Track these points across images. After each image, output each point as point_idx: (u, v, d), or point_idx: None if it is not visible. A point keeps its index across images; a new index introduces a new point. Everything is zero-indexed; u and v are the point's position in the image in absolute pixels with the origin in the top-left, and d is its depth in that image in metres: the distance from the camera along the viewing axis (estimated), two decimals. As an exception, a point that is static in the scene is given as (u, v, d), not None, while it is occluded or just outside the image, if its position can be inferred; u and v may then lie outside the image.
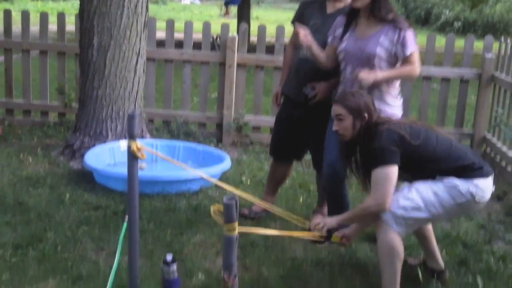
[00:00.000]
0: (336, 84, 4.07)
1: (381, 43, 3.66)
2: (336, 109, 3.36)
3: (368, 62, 3.65)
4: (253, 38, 7.15)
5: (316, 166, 4.45)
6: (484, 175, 3.25)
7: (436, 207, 3.21)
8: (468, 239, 4.22)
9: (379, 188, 3.15)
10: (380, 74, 3.61)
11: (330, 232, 3.34)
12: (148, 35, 5.94)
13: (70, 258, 3.65)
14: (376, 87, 3.68)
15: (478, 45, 7.12)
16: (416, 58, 3.67)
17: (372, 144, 3.21)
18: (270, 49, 6.60)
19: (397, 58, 3.69)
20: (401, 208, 3.16)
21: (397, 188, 3.24)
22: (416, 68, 3.68)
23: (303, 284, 3.52)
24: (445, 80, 6.46)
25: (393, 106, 3.76)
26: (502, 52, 6.33)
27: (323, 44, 3.94)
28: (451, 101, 6.96)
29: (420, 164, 3.26)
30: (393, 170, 3.15)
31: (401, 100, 3.87)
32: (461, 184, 3.20)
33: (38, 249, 3.72)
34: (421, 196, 3.20)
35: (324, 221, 3.35)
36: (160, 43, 6.70)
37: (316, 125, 4.14)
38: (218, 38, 11.49)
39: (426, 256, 3.68)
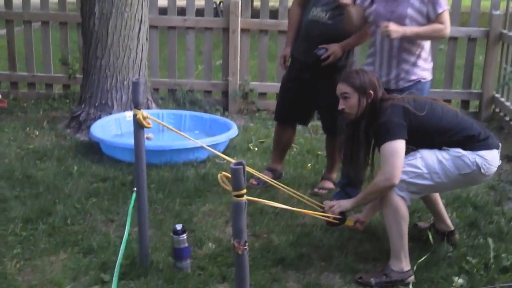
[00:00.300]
0: (347, 45, 4.09)
1: (412, 3, 3.64)
2: (342, 87, 3.33)
3: (399, 23, 3.61)
4: (256, 3, 7.05)
5: (326, 129, 4.42)
6: (490, 146, 3.22)
7: (440, 176, 3.18)
8: (478, 201, 4.20)
9: (387, 163, 3.11)
10: (409, 29, 3.61)
11: (344, 215, 3.33)
12: (150, 2, 5.87)
13: (80, 231, 3.66)
14: (406, 50, 3.69)
15: (485, 3, 6.99)
16: (446, 18, 3.66)
17: (378, 121, 3.18)
18: (273, 14, 6.51)
19: (428, 18, 3.66)
20: (404, 173, 3.14)
21: None
22: (447, 28, 3.67)
23: (314, 250, 3.52)
24: (452, 40, 6.37)
25: (423, 69, 3.78)
26: (510, 9, 6.22)
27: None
28: (459, 61, 6.87)
29: (426, 136, 3.22)
30: (400, 144, 3.11)
31: (431, 64, 3.87)
32: (467, 155, 3.17)
33: (48, 222, 3.73)
34: (425, 163, 3.17)
35: (339, 203, 3.33)
36: (163, 12, 6.62)
37: (325, 88, 4.09)
38: (221, 4, 11.36)
39: (434, 218, 3.67)
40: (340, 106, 3.34)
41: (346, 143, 3.45)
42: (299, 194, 3.43)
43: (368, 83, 3.28)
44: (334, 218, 3.32)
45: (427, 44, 3.81)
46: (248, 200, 2.27)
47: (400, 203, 3.16)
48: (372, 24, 3.84)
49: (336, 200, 3.43)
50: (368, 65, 3.92)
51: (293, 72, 4.35)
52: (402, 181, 3.14)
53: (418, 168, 3.17)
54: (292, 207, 3.98)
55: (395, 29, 3.54)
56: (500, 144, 3.32)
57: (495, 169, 3.28)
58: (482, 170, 3.19)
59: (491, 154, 3.22)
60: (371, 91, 3.27)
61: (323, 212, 3.34)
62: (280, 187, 3.31)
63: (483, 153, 3.19)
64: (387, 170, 3.10)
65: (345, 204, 3.32)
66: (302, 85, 4.27)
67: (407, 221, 3.20)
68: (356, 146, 3.38)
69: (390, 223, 3.20)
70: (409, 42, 3.71)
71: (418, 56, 3.77)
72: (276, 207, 3.97)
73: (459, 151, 3.19)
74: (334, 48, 4.07)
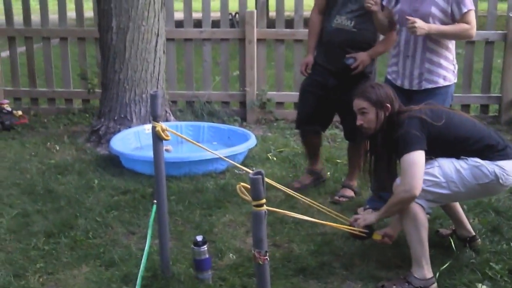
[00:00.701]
0: (375, 53, 4.17)
1: (436, 2, 3.64)
2: (358, 103, 3.33)
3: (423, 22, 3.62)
4: (272, 13, 7.07)
5: (348, 136, 4.43)
6: (509, 156, 3.20)
7: (458, 185, 3.16)
8: (500, 206, 4.16)
9: (406, 174, 3.09)
10: (434, 27, 3.61)
11: (371, 229, 3.32)
12: (166, 15, 5.92)
13: (102, 244, 3.68)
14: (430, 50, 3.70)
15: (502, 6, 6.95)
16: (472, 18, 3.66)
17: (396, 133, 3.17)
18: (289, 23, 6.52)
19: (453, 18, 3.66)
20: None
21: None
22: (473, 28, 3.66)
23: (335, 259, 3.50)
24: (470, 44, 6.32)
25: (447, 70, 3.78)
26: (528, 11, 6.17)
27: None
28: (477, 65, 6.82)
29: (444, 145, 3.20)
30: (419, 155, 3.09)
31: (456, 66, 3.86)
32: (486, 165, 3.15)
33: (70, 236, 3.76)
34: (443, 172, 3.15)
35: (364, 217, 3.33)
36: (179, 25, 6.66)
37: (349, 94, 4.09)
38: (237, 15, 11.40)
39: (455, 224, 3.64)
40: (358, 122, 3.33)
41: (365, 157, 3.46)
42: (322, 206, 3.42)
43: (385, 97, 3.28)
44: (361, 232, 3.30)
45: (451, 45, 3.79)
46: (269, 210, 2.27)
47: (418, 211, 3.14)
48: (397, 24, 3.86)
49: (361, 213, 3.42)
50: (392, 66, 3.93)
51: (315, 77, 4.38)
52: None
53: (436, 177, 3.15)
54: (312, 216, 3.99)
55: (421, 25, 3.54)
56: None
57: None
58: (501, 181, 3.16)
59: (509, 164, 3.18)
60: (388, 105, 3.26)
61: (348, 225, 3.33)
62: (301, 198, 3.29)
63: (502, 163, 3.17)
64: (407, 182, 3.08)
65: (369, 217, 3.31)
66: (324, 91, 4.30)
67: (426, 228, 3.18)
68: (376, 159, 3.39)
69: (409, 230, 3.18)
70: (434, 42, 3.71)
71: (443, 57, 3.76)
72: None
73: (477, 160, 3.16)
74: (363, 57, 4.13)
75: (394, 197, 3.16)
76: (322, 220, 3.22)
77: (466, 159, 3.17)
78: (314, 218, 3.97)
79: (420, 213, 3.14)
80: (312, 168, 4.66)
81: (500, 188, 3.27)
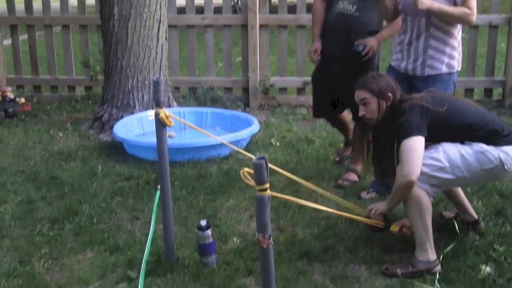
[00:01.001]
0: (382, 37, 4.17)
1: None
2: (360, 94, 3.33)
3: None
4: (274, -1, 7.04)
5: (356, 118, 4.43)
6: None
7: (462, 170, 3.14)
8: (504, 189, 4.15)
9: (404, 160, 3.08)
10: (436, 4, 3.61)
11: (387, 221, 3.32)
12: (168, 1, 5.90)
13: (106, 229, 3.69)
14: (434, 37, 3.71)
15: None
16: (473, 4, 3.66)
17: (397, 122, 3.17)
18: (292, 9, 6.50)
19: (455, 4, 3.66)
20: (425, 166, 3.12)
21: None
22: (473, 14, 3.66)
23: (339, 242, 3.51)
24: (474, 28, 6.28)
25: (451, 57, 3.78)
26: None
27: None
28: (481, 49, 6.78)
29: (448, 132, 3.19)
30: (418, 141, 3.08)
31: (460, 54, 3.85)
32: (491, 150, 3.14)
33: (75, 222, 3.77)
34: (447, 157, 3.14)
35: (376, 206, 3.33)
36: (181, 11, 6.64)
37: (355, 78, 4.10)
38: (239, 1, 11.37)
39: (458, 209, 3.64)
40: (361, 113, 3.33)
41: (368, 147, 3.47)
42: (342, 200, 3.44)
43: (386, 86, 3.28)
44: (377, 224, 3.31)
45: (457, 32, 3.78)
46: (273, 196, 2.27)
47: (422, 195, 3.13)
48: (401, 12, 3.86)
49: (374, 204, 3.42)
50: (396, 53, 3.95)
51: (321, 67, 4.40)
52: (424, 174, 3.12)
53: (440, 161, 3.14)
54: (316, 201, 4.00)
55: (424, 0, 3.56)
56: None
57: None
58: (506, 166, 3.15)
59: None
60: (390, 94, 3.26)
61: (365, 217, 3.35)
62: (306, 184, 3.25)
63: (506, 148, 3.15)
64: (404, 167, 3.07)
65: (381, 207, 3.30)
66: (333, 78, 4.31)
67: (430, 212, 3.18)
68: (379, 149, 3.40)
69: (413, 215, 3.18)
70: (438, 29, 3.71)
71: (447, 44, 3.75)
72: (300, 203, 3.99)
73: (482, 146, 3.15)
74: (372, 43, 4.11)
75: (395, 184, 3.16)
76: (326, 206, 3.20)
77: (470, 144, 3.16)
78: (318, 203, 4.00)
79: (423, 197, 3.14)
80: (349, 140, 4.76)
81: (504, 173, 3.26)
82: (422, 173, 3.11)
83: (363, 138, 3.74)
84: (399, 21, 4.01)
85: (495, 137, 3.17)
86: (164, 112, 3.09)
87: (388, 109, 3.27)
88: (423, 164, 3.11)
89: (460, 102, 3.31)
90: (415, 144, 3.08)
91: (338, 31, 4.21)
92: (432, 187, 3.18)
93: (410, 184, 3.08)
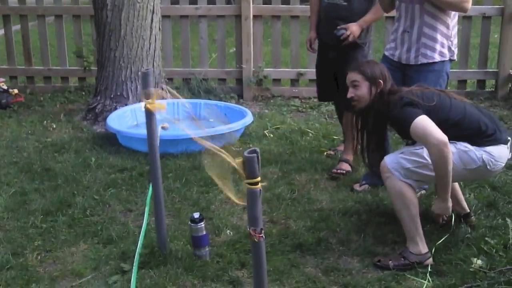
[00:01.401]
0: (364, 22, 4.27)
1: None
2: (352, 76, 3.36)
3: None
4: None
5: (347, 107, 4.45)
6: (498, 142, 3.20)
7: None
8: (496, 181, 4.16)
9: (424, 136, 3.05)
10: None
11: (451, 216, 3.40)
12: (161, -9, 5.88)
13: (100, 221, 3.70)
14: (428, 25, 3.71)
15: (500, -20, 6.91)
16: None
17: (389, 114, 3.19)
18: (285, 0, 6.48)
19: None
20: (408, 161, 3.15)
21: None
22: (468, 1, 3.65)
23: (332, 235, 3.52)
24: (467, 18, 6.28)
25: (443, 45, 3.78)
26: (525, -14, 6.13)
27: None
28: (474, 40, 6.78)
29: None
30: (423, 118, 3.08)
31: (455, 43, 3.85)
32: (474, 150, 3.16)
33: (68, 214, 3.77)
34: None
35: (437, 206, 3.28)
36: (174, 1, 6.62)
37: (347, 65, 4.14)
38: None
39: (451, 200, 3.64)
40: (349, 95, 3.35)
41: (357, 136, 3.48)
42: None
43: (378, 73, 3.32)
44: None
45: (450, 21, 3.77)
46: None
47: (405, 189, 3.16)
48: (396, 0, 3.88)
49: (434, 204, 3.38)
50: (390, 42, 3.98)
51: (320, 55, 4.60)
52: (407, 169, 3.15)
53: (424, 158, 3.14)
54: (309, 192, 4.01)
55: None
56: (509, 138, 3.28)
57: (503, 164, 3.27)
58: (488, 167, 3.18)
59: (498, 149, 3.20)
60: (381, 81, 3.29)
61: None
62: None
63: (490, 149, 3.18)
64: (430, 141, 3.03)
65: (439, 202, 3.26)
66: (331, 65, 4.46)
67: (416, 205, 3.20)
68: (368, 138, 3.41)
69: (399, 209, 3.21)
70: (432, 17, 3.71)
71: (440, 32, 3.75)
72: (293, 192, 4.00)
73: (466, 145, 3.17)
74: (352, 28, 4.23)
75: (433, 162, 3.07)
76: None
77: (455, 143, 3.17)
78: (311, 195, 4.01)
79: (407, 191, 3.16)
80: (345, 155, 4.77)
81: (488, 173, 3.30)
82: (405, 168, 3.15)
83: (354, 127, 3.76)
84: (381, 6, 4.11)
85: (479, 137, 3.19)
86: (153, 102, 3.07)
87: (376, 97, 3.29)
88: (406, 159, 3.14)
89: (447, 99, 3.29)
90: (422, 121, 3.07)
91: (329, 20, 4.37)
92: (416, 182, 3.21)
93: (446, 148, 3.01)
